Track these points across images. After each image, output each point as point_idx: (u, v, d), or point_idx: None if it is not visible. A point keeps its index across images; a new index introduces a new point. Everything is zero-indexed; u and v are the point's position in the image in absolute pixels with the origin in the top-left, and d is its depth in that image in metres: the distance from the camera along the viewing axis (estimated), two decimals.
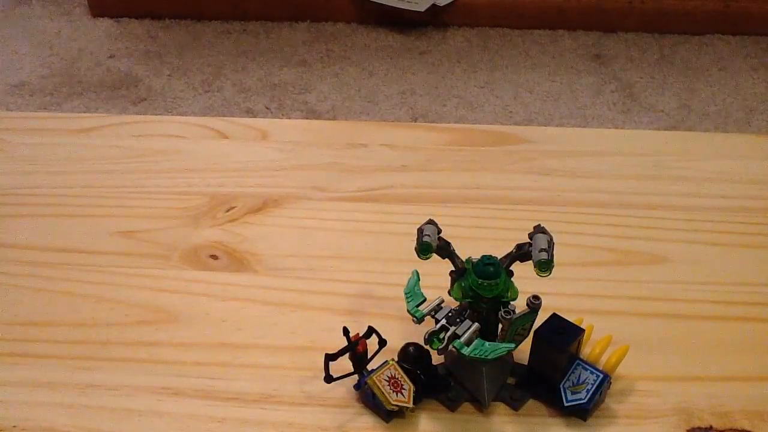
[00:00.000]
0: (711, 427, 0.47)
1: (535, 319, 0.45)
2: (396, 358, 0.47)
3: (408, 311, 0.45)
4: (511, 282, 0.45)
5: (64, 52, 1.65)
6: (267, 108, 1.50)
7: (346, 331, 0.45)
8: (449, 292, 0.46)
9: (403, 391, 0.45)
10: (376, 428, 0.46)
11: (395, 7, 1.68)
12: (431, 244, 0.45)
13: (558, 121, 1.48)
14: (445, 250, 0.46)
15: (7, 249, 0.59)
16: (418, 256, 0.45)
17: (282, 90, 1.55)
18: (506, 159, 0.69)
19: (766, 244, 0.60)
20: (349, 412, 0.47)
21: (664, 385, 0.49)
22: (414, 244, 0.45)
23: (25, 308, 0.54)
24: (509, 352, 0.45)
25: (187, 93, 1.54)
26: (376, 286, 0.56)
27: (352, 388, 0.47)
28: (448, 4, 1.69)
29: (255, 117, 1.48)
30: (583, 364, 0.47)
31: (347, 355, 0.46)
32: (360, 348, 0.46)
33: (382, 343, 0.47)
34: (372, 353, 0.47)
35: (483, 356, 0.42)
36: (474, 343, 0.43)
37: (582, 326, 0.47)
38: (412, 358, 0.47)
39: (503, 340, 0.44)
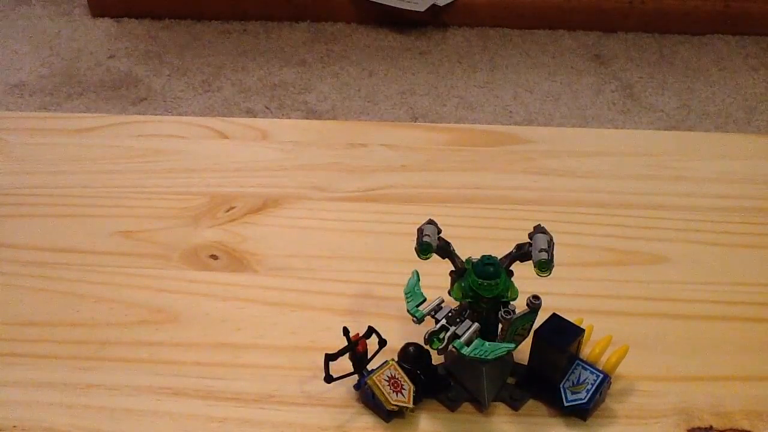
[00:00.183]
0: (711, 427, 0.47)
1: (535, 319, 0.45)
2: (396, 358, 0.47)
3: (408, 311, 0.45)
4: (511, 282, 0.45)
5: (64, 52, 1.65)
6: (267, 108, 1.50)
7: (346, 331, 0.45)
8: (449, 292, 0.46)
9: (403, 391, 0.45)
10: (376, 428, 0.46)
11: (395, 7, 1.68)
12: (431, 244, 0.45)
13: (558, 121, 1.48)
14: (445, 250, 0.46)
15: (7, 249, 0.59)
16: (418, 256, 0.45)
17: (282, 90, 1.55)
18: (506, 159, 0.69)
19: (766, 244, 0.60)
20: (349, 412, 0.47)
21: (664, 385, 0.49)
22: (414, 244, 0.45)
23: (25, 308, 0.54)
24: (509, 352, 0.45)
25: (187, 93, 1.54)
26: (376, 286, 0.56)
27: (352, 388, 0.47)
28: (448, 4, 1.69)
29: (255, 117, 1.48)
30: (583, 364, 0.47)
31: (347, 355, 0.46)
32: (360, 348, 0.46)
33: (382, 343, 0.47)
34: (372, 353, 0.47)
35: (483, 356, 0.42)
36: (474, 343, 0.43)
37: (582, 326, 0.47)
38: (412, 358, 0.47)
39: (503, 340, 0.44)
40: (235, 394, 0.48)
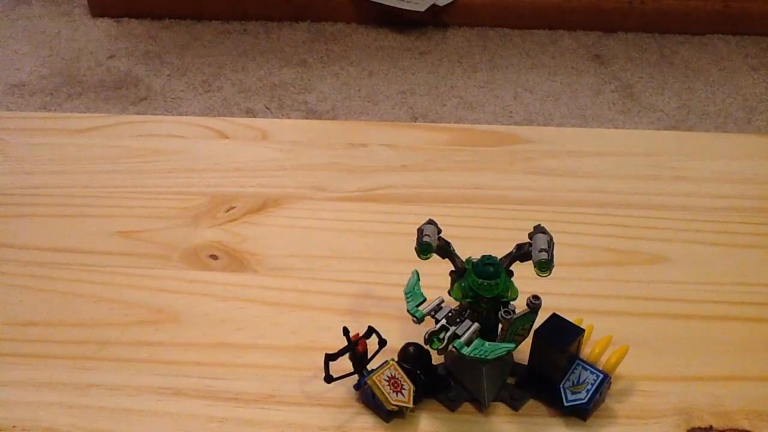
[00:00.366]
0: (711, 427, 0.47)
1: (535, 319, 0.45)
2: (396, 358, 0.47)
3: (408, 311, 0.45)
4: (511, 282, 0.45)
5: (64, 52, 1.65)
6: (267, 108, 1.50)
7: (346, 331, 0.45)
8: (449, 292, 0.46)
9: (403, 391, 0.45)
10: (376, 428, 0.46)
11: (395, 7, 1.68)
12: (431, 244, 0.45)
13: (558, 121, 1.48)
14: (445, 250, 0.46)
15: (7, 249, 0.59)
16: (418, 256, 0.45)
17: (282, 90, 1.55)
18: (506, 159, 0.69)
19: (766, 244, 0.60)
20: (349, 412, 0.47)
21: (664, 385, 0.49)
22: (414, 244, 0.45)
23: (25, 308, 0.54)
24: (509, 352, 0.45)
25: (187, 93, 1.54)
26: (376, 286, 0.56)
27: (352, 388, 0.47)
28: (448, 4, 1.69)
29: (255, 117, 1.48)
30: (583, 364, 0.47)
31: (347, 355, 0.46)
32: (360, 348, 0.46)
33: (382, 343, 0.47)
34: (372, 353, 0.47)
35: (483, 356, 0.42)
36: (474, 343, 0.43)
37: (582, 326, 0.47)
38: (412, 358, 0.47)
39: (503, 340, 0.44)
40: (235, 394, 0.48)
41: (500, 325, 0.44)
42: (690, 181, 0.67)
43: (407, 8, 1.68)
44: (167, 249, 0.59)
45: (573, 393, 0.46)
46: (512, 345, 0.44)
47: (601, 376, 0.46)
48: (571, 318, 0.47)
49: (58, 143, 0.70)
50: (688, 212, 0.63)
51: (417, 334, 0.45)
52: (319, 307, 0.55)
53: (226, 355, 0.51)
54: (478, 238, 0.60)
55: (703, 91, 1.57)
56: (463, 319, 0.44)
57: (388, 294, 0.55)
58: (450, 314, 0.45)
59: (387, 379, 0.45)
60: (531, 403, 0.48)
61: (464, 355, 0.43)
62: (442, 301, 0.45)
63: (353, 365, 0.46)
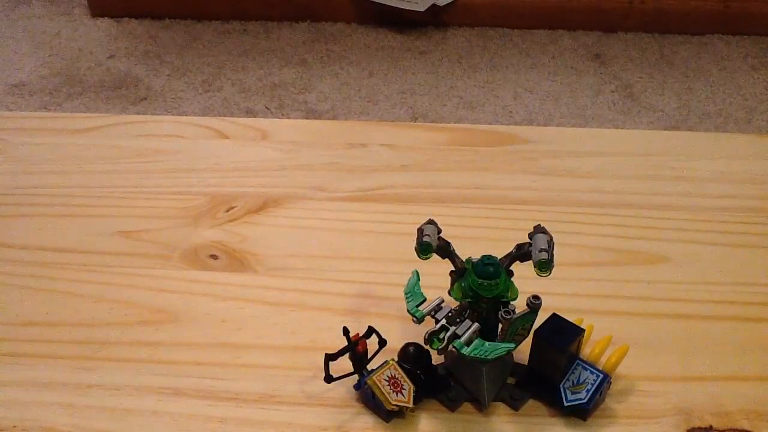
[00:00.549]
0: (711, 427, 0.47)
1: (535, 319, 0.45)
2: (396, 358, 0.47)
3: (408, 311, 0.45)
4: (511, 282, 0.45)
5: (64, 52, 1.65)
6: (267, 108, 1.50)
7: (346, 331, 0.45)
8: (449, 292, 0.46)
9: (403, 391, 0.45)
10: (376, 428, 0.46)
11: (395, 7, 1.68)
12: (431, 244, 0.45)
13: (558, 121, 1.48)
14: (445, 250, 0.46)
15: (7, 249, 0.59)
16: (418, 256, 0.45)
17: (282, 90, 1.55)
18: (506, 159, 0.69)
19: (766, 244, 0.60)
20: (349, 412, 0.47)
21: (664, 385, 0.49)
22: (414, 244, 0.45)
23: (25, 308, 0.54)
24: (509, 352, 0.45)
25: (187, 93, 1.54)
26: (376, 286, 0.56)
27: (352, 388, 0.47)
28: (448, 4, 1.69)
29: (255, 117, 1.48)
30: (583, 364, 0.47)
31: (347, 355, 0.46)
32: (360, 348, 0.46)
33: (382, 343, 0.47)
34: (372, 353, 0.47)
35: (483, 356, 0.42)
36: (474, 343, 0.43)
37: (582, 326, 0.47)
38: (412, 358, 0.47)
39: (503, 340, 0.44)
40: (235, 394, 0.48)
41: (500, 325, 0.44)
42: (690, 181, 0.67)
43: (407, 8, 1.68)
44: (167, 249, 0.59)
45: (573, 393, 0.46)
46: (512, 345, 0.44)
47: (601, 376, 0.46)
48: (571, 318, 0.47)
49: (58, 143, 0.70)
50: (688, 212, 0.63)
51: (417, 334, 0.45)
52: (319, 307, 0.55)
53: (226, 355, 0.51)
54: (478, 238, 0.60)
55: (703, 91, 1.57)
56: (463, 319, 0.44)
57: (388, 294, 0.55)
58: (450, 314, 0.45)
59: (387, 379, 0.45)
60: (531, 403, 0.48)
61: (464, 355, 0.43)
62: (442, 301, 0.45)
63: (353, 365, 0.46)
